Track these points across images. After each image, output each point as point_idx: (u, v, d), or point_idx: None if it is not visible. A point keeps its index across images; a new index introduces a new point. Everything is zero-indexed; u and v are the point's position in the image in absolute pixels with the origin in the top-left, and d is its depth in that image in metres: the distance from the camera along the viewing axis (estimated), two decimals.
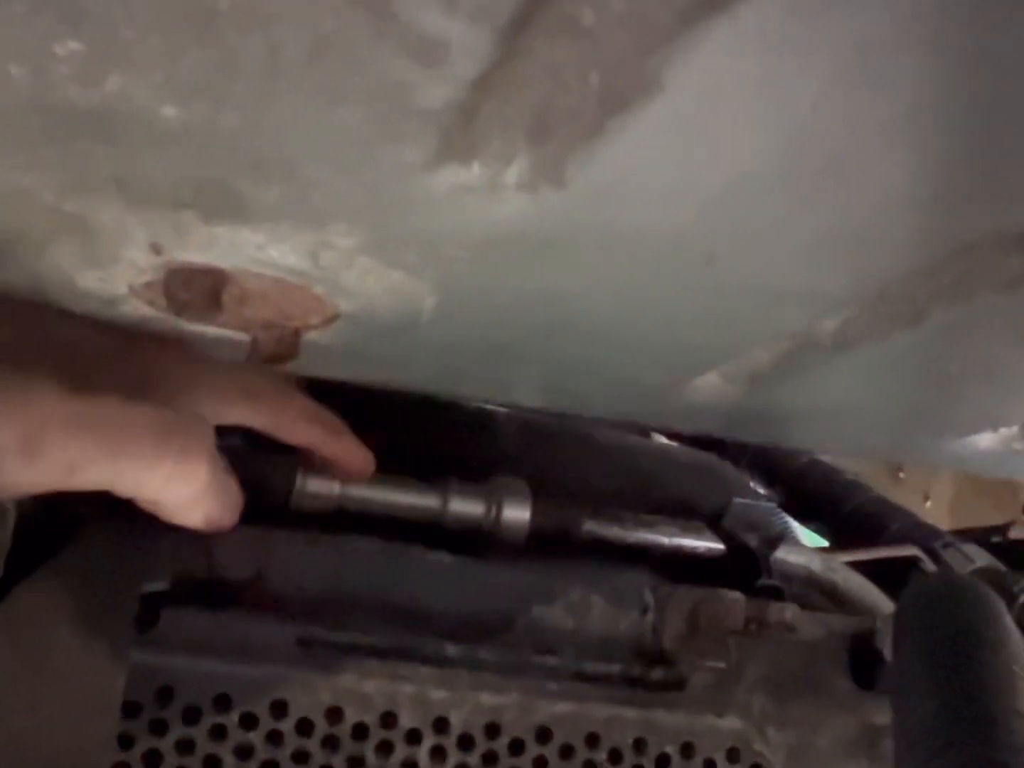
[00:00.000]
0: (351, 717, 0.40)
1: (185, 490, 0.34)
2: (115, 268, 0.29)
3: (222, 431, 0.39)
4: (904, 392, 0.37)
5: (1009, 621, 0.30)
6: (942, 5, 0.17)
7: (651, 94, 0.20)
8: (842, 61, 0.19)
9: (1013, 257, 0.25)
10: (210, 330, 0.32)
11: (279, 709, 0.39)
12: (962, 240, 0.25)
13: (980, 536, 0.73)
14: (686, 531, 0.52)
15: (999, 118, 0.20)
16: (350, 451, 0.44)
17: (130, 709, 0.37)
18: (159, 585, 0.39)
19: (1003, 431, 0.42)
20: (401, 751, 0.41)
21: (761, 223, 0.24)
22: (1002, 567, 0.62)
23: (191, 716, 0.38)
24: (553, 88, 0.20)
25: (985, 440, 0.43)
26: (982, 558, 0.62)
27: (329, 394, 0.44)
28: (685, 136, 0.21)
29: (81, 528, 0.39)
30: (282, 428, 0.42)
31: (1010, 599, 0.58)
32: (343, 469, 0.44)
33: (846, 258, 0.26)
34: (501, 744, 0.42)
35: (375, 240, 0.27)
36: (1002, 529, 0.76)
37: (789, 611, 0.47)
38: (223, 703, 0.39)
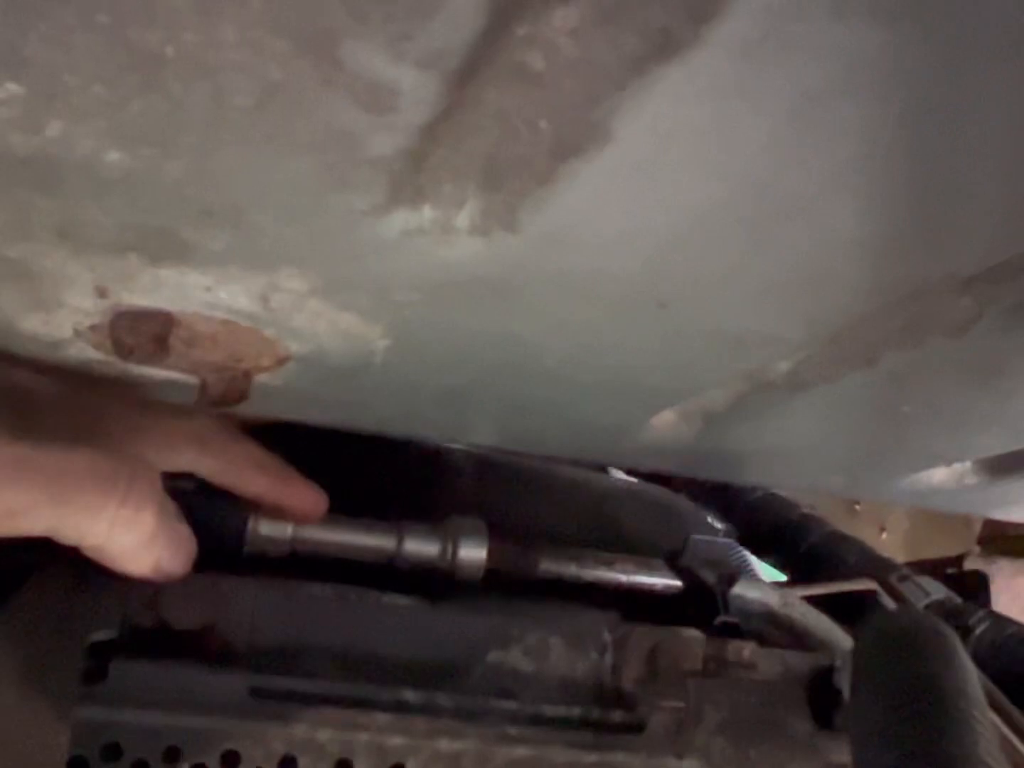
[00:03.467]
0: (305, 767, 0.39)
1: (130, 537, 0.33)
2: (60, 312, 0.28)
3: (172, 475, 0.38)
4: (858, 431, 0.37)
5: (967, 662, 0.30)
6: (886, 55, 0.17)
7: (602, 141, 0.20)
8: (790, 108, 0.19)
9: (962, 301, 0.25)
10: (158, 373, 0.32)
11: (231, 761, 0.38)
12: (912, 285, 0.25)
13: (936, 568, 0.73)
14: (644, 568, 0.52)
15: (945, 164, 0.20)
16: (299, 496, 0.43)
17: (76, 766, 0.36)
18: (106, 635, 0.38)
19: (956, 466, 0.43)
20: None
21: (713, 268, 0.24)
22: (958, 599, 0.63)
23: None
24: (503, 135, 0.20)
25: (938, 476, 0.43)
26: (938, 591, 0.62)
27: (282, 433, 0.44)
28: (637, 182, 0.21)
29: (25, 577, 0.38)
30: (229, 476, 0.41)
31: (966, 631, 0.58)
32: (293, 514, 0.43)
33: (798, 303, 0.26)
34: None
35: (326, 283, 0.26)
36: (957, 560, 0.77)
37: (748, 649, 0.46)
38: (173, 756, 0.38)
